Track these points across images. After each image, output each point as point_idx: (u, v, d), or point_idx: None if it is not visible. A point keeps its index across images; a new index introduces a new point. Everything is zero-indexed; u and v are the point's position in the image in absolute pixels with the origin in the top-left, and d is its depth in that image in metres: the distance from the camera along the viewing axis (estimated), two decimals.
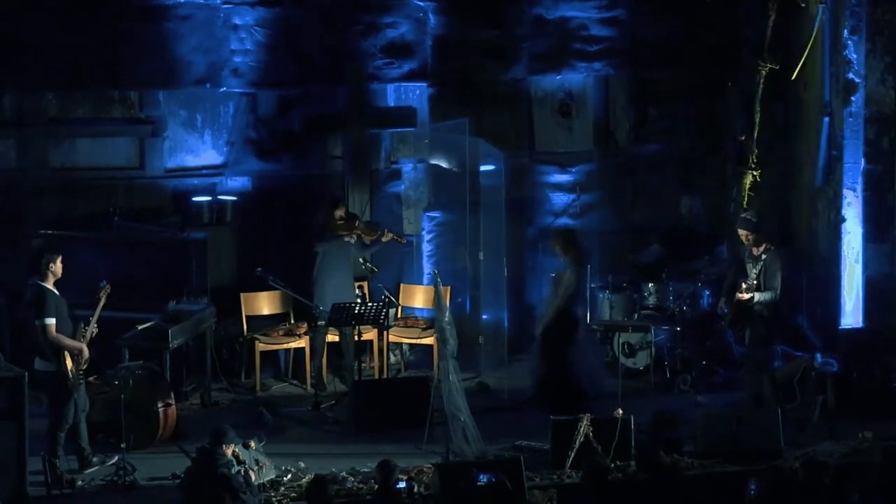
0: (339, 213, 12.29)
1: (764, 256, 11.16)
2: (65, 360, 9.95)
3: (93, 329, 10.14)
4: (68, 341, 9.99)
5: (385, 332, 12.51)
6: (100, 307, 10.22)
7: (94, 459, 10.23)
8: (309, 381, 12.42)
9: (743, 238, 11.35)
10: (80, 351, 10.00)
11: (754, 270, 11.18)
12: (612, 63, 14.07)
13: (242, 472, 9.35)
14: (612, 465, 9.96)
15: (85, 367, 10.11)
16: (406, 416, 11.09)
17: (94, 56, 12.88)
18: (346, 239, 12.15)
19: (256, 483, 9.58)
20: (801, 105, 13.55)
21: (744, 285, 11.10)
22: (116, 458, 10.03)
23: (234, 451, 9.52)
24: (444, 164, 13.44)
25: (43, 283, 10.04)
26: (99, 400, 10.73)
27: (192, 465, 9.25)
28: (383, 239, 12.29)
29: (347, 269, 12.32)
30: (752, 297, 11.12)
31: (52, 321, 9.95)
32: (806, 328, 13.23)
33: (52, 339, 9.95)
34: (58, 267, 10.10)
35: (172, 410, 10.87)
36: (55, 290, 10.08)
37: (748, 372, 11.54)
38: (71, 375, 9.96)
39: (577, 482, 9.76)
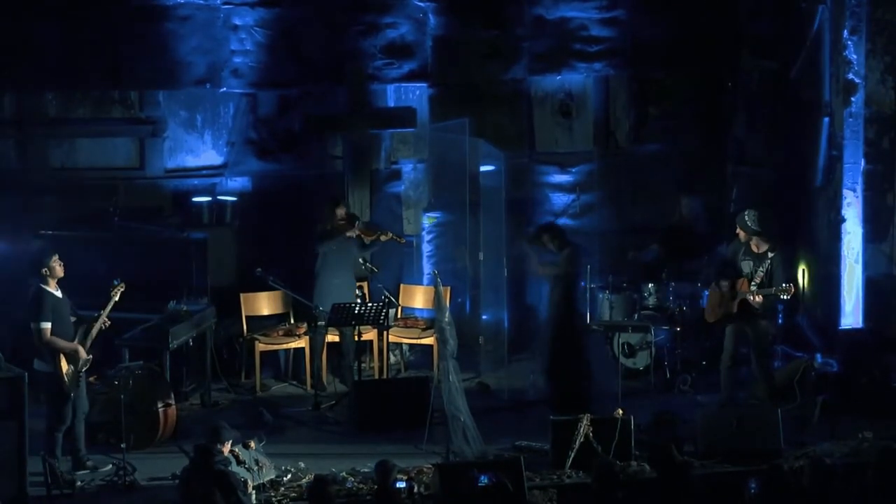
0: (341, 212, 12.30)
1: (771, 255, 11.16)
2: (60, 362, 9.95)
3: (102, 324, 10.14)
4: (62, 343, 9.98)
5: (385, 333, 12.51)
6: (110, 304, 10.22)
7: (89, 462, 10.19)
8: (309, 381, 12.42)
9: (753, 246, 11.27)
10: (76, 352, 9.99)
11: (761, 270, 11.16)
12: (612, 63, 14.08)
13: (241, 477, 9.32)
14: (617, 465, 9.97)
15: (85, 368, 10.09)
16: (406, 416, 11.09)
17: (94, 56, 12.89)
18: (349, 235, 12.15)
19: (256, 483, 9.58)
20: (801, 105, 13.54)
21: (754, 289, 11.05)
22: (110, 465, 10.05)
23: (234, 452, 9.52)
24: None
25: (42, 286, 10.04)
26: (99, 400, 10.73)
27: (189, 462, 9.24)
28: (382, 238, 12.32)
29: (349, 268, 12.33)
30: (761, 298, 11.11)
31: (46, 325, 9.94)
32: (806, 328, 13.23)
33: (46, 342, 9.95)
34: (55, 267, 10.09)
35: (172, 410, 10.86)
36: (56, 292, 10.08)
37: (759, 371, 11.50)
38: (67, 378, 9.95)
39: (578, 482, 9.78)
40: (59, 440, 10.05)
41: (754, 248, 11.29)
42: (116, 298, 10.27)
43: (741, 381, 11.63)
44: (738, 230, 11.38)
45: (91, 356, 10.15)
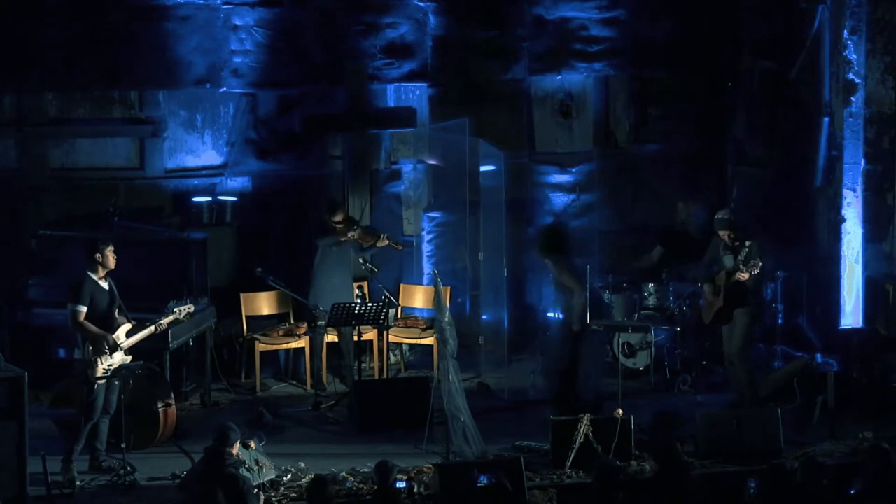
0: (337, 217, 12.28)
1: (748, 243, 11.20)
2: (88, 349, 9.96)
3: (158, 328, 10.27)
4: (93, 329, 9.99)
5: (385, 333, 12.52)
6: (169, 319, 10.37)
7: (105, 464, 10.19)
8: (309, 381, 12.43)
9: (725, 237, 11.32)
10: (105, 339, 9.99)
11: (740, 257, 11.19)
12: (612, 63, 14.08)
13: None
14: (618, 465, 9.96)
15: (115, 366, 10.07)
16: (406, 416, 11.09)
17: (94, 56, 12.89)
18: (343, 240, 12.16)
19: (256, 483, 9.58)
20: (801, 105, 13.54)
21: (742, 268, 11.09)
22: (122, 472, 10.02)
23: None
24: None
25: (89, 273, 10.07)
26: None
27: (199, 464, 9.22)
28: (379, 244, 12.32)
29: (346, 269, 12.35)
30: (750, 275, 11.12)
31: (81, 308, 9.96)
32: (806, 328, 13.23)
33: (78, 324, 9.97)
34: (109, 256, 10.12)
35: (172, 410, 10.87)
36: (101, 282, 10.10)
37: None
38: (91, 364, 9.95)
39: (578, 482, 9.79)
40: (84, 433, 10.03)
41: (729, 242, 11.31)
42: (180, 317, 10.42)
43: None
44: (721, 232, 11.39)
45: (130, 357, 10.16)
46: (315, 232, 12.28)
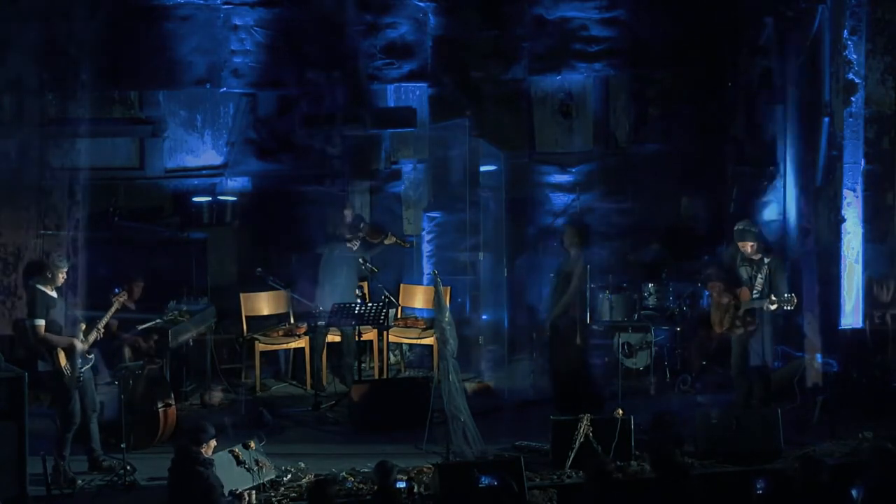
0: (348, 213, 12.35)
1: (767, 261, 11.06)
2: (58, 358, 9.97)
3: (98, 332, 10.18)
4: (57, 339, 10.02)
5: (385, 332, 12.53)
6: (110, 312, 10.29)
7: (105, 463, 10.20)
8: (309, 381, 12.43)
9: (746, 248, 11.16)
10: (71, 346, 10.00)
11: (760, 277, 11.07)
12: (612, 63, 14.07)
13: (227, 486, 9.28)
14: (612, 465, 9.97)
15: (86, 367, 10.10)
16: (406, 416, 11.09)
17: (94, 56, 12.88)
18: (349, 245, 12.20)
19: (256, 483, 9.58)
20: (801, 105, 13.53)
21: (773, 297, 10.92)
22: (122, 472, 10.01)
23: (233, 451, 9.51)
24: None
25: (38, 285, 10.07)
26: (99, 400, 10.74)
27: (171, 462, 9.23)
28: (386, 242, 12.36)
29: (352, 270, 12.38)
30: (779, 307, 10.98)
31: (40, 322, 9.99)
32: (806, 328, 13.21)
33: (41, 339, 9.98)
34: (58, 277, 10.12)
35: (172, 410, 10.88)
36: (50, 292, 10.10)
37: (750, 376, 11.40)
38: (66, 372, 9.96)
39: (578, 482, 9.79)
40: (68, 440, 10.04)
41: (750, 254, 11.15)
42: (118, 307, 10.34)
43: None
44: (746, 244, 11.18)
45: (92, 356, 10.18)
46: (323, 239, 12.31)
